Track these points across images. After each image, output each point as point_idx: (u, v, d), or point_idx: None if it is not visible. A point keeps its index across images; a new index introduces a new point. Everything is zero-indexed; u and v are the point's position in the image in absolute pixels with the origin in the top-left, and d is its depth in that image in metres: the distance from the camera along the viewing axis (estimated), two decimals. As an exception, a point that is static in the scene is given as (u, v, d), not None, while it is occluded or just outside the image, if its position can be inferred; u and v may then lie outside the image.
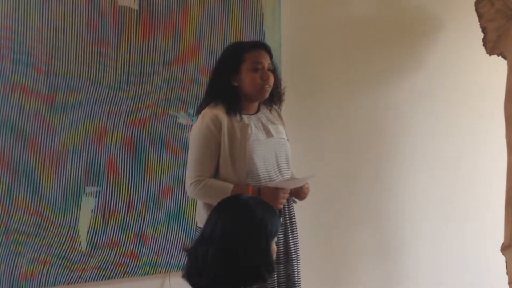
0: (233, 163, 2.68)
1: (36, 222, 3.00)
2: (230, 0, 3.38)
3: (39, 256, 3.02)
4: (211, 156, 2.69)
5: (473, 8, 3.57)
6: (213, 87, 2.78)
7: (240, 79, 2.73)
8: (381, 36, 3.83)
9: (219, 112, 2.70)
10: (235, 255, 2.00)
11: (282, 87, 2.87)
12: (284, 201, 2.72)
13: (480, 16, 3.55)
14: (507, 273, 3.41)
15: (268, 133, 2.78)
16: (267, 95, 2.78)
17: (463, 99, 4.09)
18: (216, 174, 2.70)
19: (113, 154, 3.16)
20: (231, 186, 2.64)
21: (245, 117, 2.75)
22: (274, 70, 2.80)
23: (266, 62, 2.76)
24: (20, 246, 2.98)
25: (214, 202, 2.27)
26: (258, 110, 2.83)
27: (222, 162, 2.69)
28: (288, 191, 2.73)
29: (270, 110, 2.88)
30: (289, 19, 3.51)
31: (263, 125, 2.79)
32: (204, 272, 2.03)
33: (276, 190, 2.66)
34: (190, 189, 2.71)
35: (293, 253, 2.80)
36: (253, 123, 2.76)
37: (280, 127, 2.85)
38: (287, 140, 2.87)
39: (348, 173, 3.76)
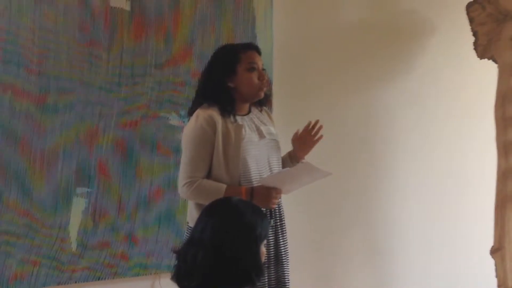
0: (227, 164, 2.68)
1: (26, 223, 2.99)
2: (222, 3, 3.38)
3: (29, 257, 3.00)
4: (205, 157, 2.67)
5: (465, 12, 3.59)
6: (207, 88, 2.76)
7: (236, 79, 2.72)
8: (373, 39, 3.84)
9: (214, 113, 2.68)
10: (224, 258, 2.00)
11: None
12: (277, 201, 2.72)
13: (471, 20, 3.57)
14: (496, 276, 3.43)
15: (261, 134, 2.78)
16: (262, 94, 2.77)
17: (455, 102, 4.10)
18: (208, 175, 2.69)
19: (104, 155, 3.15)
20: (224, 186, 2.64)
21: (238, 118, 2.75)
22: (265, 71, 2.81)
23: (260, 63, 2.76)
24: (10, 247, 2.96)
25: (207, 203, 2.27)
26: (250, 111, 2.83)
27: (215, 163, 2.68)
28: (281, 191, 2.73)
29: (261, 111, 2.88)
30: (281, 22, 3.51)
31: (255, 126, 2.78)
32: (193, 274, 2.03)
33: (269, 190, 2.66)
34: (183, 190, 2.69)
35: (283, 255, 2.80)
36: (247, 124, 2.75)
37: (272, 128, 2.85)
38: (279, 141, 2.87)
39: (340, 174, 3.74)
